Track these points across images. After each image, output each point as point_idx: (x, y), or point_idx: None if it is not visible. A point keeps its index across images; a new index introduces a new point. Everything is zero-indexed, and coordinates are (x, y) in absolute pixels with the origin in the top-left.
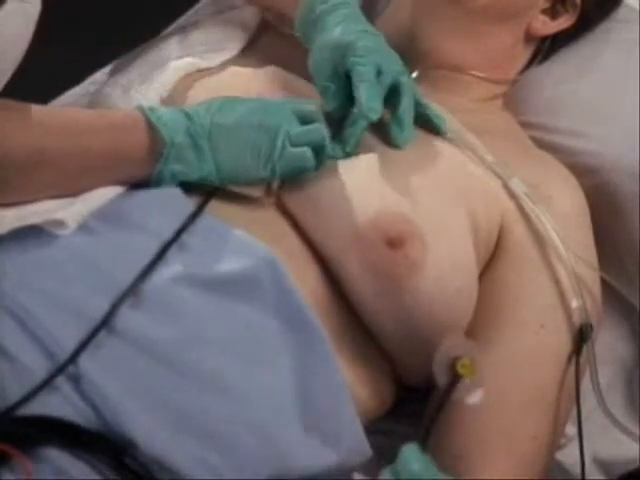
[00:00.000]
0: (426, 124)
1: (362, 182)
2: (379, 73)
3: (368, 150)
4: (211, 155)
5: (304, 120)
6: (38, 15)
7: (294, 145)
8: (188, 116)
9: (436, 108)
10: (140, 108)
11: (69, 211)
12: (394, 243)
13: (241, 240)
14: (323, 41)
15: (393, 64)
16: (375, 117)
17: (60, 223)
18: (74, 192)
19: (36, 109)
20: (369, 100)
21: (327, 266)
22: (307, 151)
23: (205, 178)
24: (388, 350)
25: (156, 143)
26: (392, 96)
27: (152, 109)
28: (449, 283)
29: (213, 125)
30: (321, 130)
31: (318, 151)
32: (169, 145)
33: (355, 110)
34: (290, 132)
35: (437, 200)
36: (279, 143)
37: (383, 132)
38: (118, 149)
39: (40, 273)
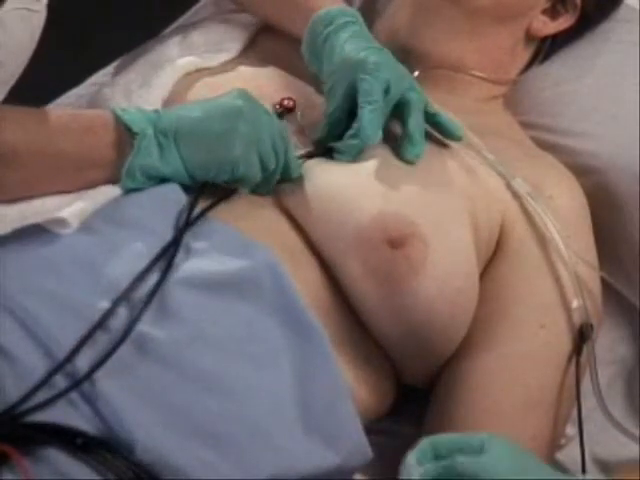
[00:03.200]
0: (436, 129)
1: (363, 182)
2: (387, 90)
3: (369, 152)
4: (176, 149)
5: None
6: (43, 24)
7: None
8: (157, 113)
9: (447, 114)
10: (111, 108)
11: (71, 210)
12: (395, 243)
13: (241, 241)
14: (333, 61)
15: (402, 80)
16: (373, 142)
17: (62, 222)
18: (43, 194)
19: (9, 108)
20: (368, 127)
21: (328, 266)
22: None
23: (174, 174)
24: (388, 350)
25: (125, 143)
26: (402, 109)
27: (122, 109)
28: (450, 283)
29: (180, 118)
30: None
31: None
32: (140, 137)
33: (355, 125)
34: (261, 145)
35: (438, 200)
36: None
37: (388, 138)
38: (89, 150)
39: (41, 273)
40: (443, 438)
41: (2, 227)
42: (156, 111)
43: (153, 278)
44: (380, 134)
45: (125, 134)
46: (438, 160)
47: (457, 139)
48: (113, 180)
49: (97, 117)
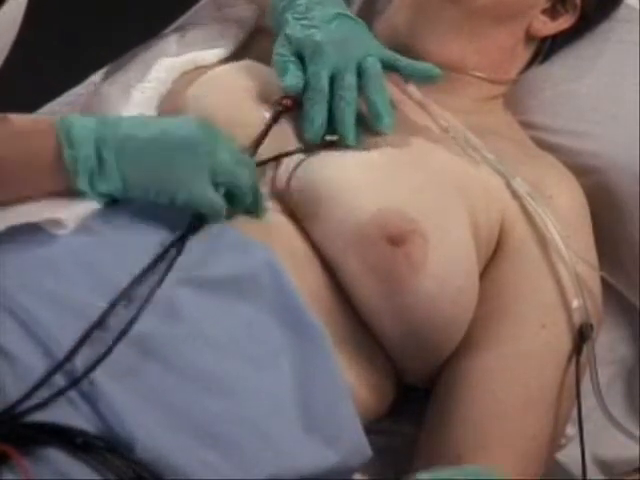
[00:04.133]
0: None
1: (363, 179)
2: (335, 73)
3: (368, 148)
4: (117, 168)
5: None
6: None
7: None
8: (104, 124)
9: (388, 98)
10: (57, 119)
11: (68, 211)
12: (395, 241)
13: (240, 240)
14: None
15: (350, 54)
16: (352, 142)
17: (59, 223)
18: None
19: None
20: (343, 130)
21: (328, 265)
22: (219, 201)
23: (111, 194)
24: (389, 349)
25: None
26: (362, 82)
27: (67, 119)
28: (450, 282)
29: (126, 136)
30: (247, 176)
31: (234, 195)
32: (70, 162)
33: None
34: (215, 164)
35: (438, 198)
36: (198, 169)
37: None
38: (30, 157)
39: (40, 273)
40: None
41: None
42: (102, 121)
43: (153, 278)
44: (352, 129)
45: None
46: (438, 158)
47: (436, 76)
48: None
49: (40, 122)
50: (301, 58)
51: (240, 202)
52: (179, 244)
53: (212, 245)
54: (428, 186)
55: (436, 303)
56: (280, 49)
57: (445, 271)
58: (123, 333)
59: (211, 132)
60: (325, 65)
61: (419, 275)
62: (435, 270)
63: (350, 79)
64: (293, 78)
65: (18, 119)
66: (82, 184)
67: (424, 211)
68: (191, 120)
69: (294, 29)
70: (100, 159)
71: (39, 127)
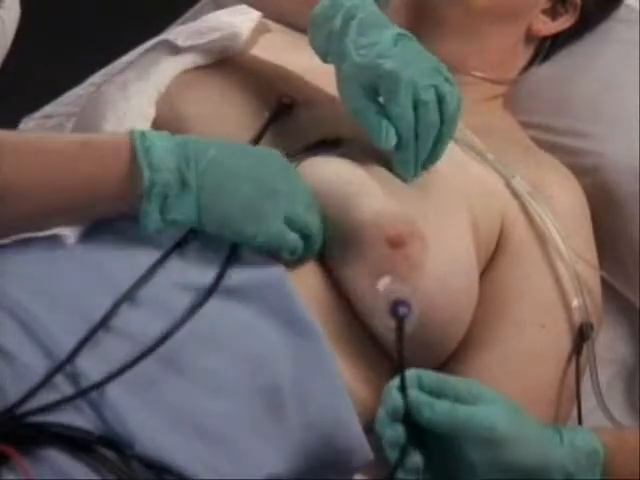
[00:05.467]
0: None
1: (362, 181)
2: (416, 101)
3: (368, 151)
4: (196, 196)
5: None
6: (16, 22)
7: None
8: (183, 146)
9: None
10: (130, 135)
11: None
12: (394, 243)
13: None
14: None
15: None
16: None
17: (60, 238)
18: (41, 230)
19: (5, 136)
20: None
21: (328, 266)
22: (296, 241)
23: (179, 222)
24: (389, 350)
25: (139, 175)
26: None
27: (147, 138)
28: (450, 283)
29: (210, 162)
30: (318, 224)
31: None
32: (149, 186)
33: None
34: (290, 210)
35: (438, 199)
36: (275, 211)
37: None
38: (95, 184)
39: (41, 274)
40: (431, 375)
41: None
42: (183, 144)
43: (154, 280)
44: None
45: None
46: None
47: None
48: (131, 213)
49: (109, 143)
50: (374, 89)
51: (310, 247)
52: (178, 250)
53: (212, 249)
54: (427, 187)
55: (435, 304)
56: (354, 90)
57: (445, 272)
58: (154, 348)
59: (291, 175)
60: (407, 98)
61: (418, 276)
62: (434, 271)
63: (434, 115)
64: (392, 138)
65: (86, 142)
66: (152, 209)
67: (423, 213)
68: (276, 156)
69: (362, 59)
70: (182, 185)
71: (108, 152)
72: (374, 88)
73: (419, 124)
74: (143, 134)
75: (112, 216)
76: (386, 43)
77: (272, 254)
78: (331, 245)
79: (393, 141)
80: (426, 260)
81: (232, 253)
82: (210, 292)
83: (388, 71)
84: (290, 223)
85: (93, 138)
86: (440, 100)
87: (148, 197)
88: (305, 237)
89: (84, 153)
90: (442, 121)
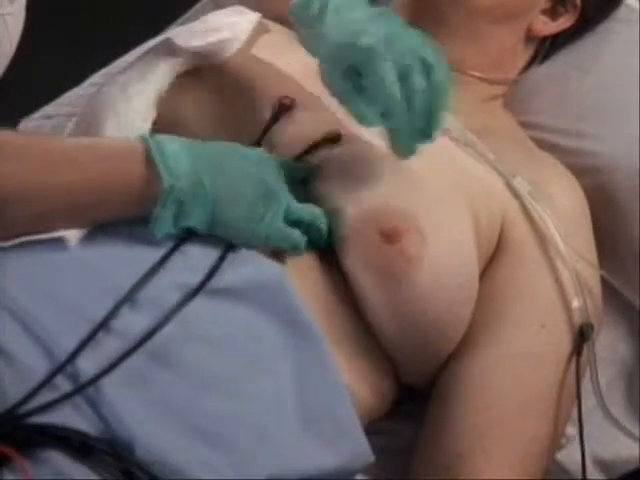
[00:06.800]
0: None
1: (359, 175)
2: (404, 73)
3: (369, 148)
4: (210, 202)
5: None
6: (21, 26)
7: (288, 219)
8: (193, 150)
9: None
10: (143, 139)
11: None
12: (390, 237)
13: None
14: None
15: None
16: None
17: (61, 240)
18: (46, 232)
19: (10, 137)
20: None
21: (328, 263)
22: (297, 235)
23: (194, 228)
24: (388, 348)
25: (154, 179)
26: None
27: (156, 141)
28: (449, 279)
29: (219, 168)
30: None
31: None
32: (168, 191)
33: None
34: (289, 205)
35: (439, 195)
36: (278, 210)
37: None
38: (107, 186)
39: (42, 274)
40: None
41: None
42: (192, 147)
43: (155, 281)
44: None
45: (156, 172)
46: (438, 157)
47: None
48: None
49: (120, 150)
50: (355, 70)
51: (318, 238)
52: (179, 251)
53: (213, 250)
54: (427, 184)
55: (434, 300)
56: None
57: (443, 268)
58: (140, 343)
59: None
60: (387, 69)
61: (415, 271)
62: (433, 267)
63: (419, 82)
64: (373, 116)
65: (101, 143)
66: (166, 214)
67: (423, 208)
68: (271, 158)
69: (338, 38)
70: (196, 191)
71: (122, 153)
72: (355, 69)
73: (406, 93)
74: (156, 138)
75: (116, 219)
76: (363, 20)
77: (275, 252)
78: (332, 239)
79: (375, 119)
80: (424, 256)
81: (228, 251)
82: (198, 289)
83: (365, 47)
84: (292, 219)
85: (101, 142)
86: (427, 70)
87: (164, 203)
88: (308, 230)
89: (92, 155)
90: (432, 90)
